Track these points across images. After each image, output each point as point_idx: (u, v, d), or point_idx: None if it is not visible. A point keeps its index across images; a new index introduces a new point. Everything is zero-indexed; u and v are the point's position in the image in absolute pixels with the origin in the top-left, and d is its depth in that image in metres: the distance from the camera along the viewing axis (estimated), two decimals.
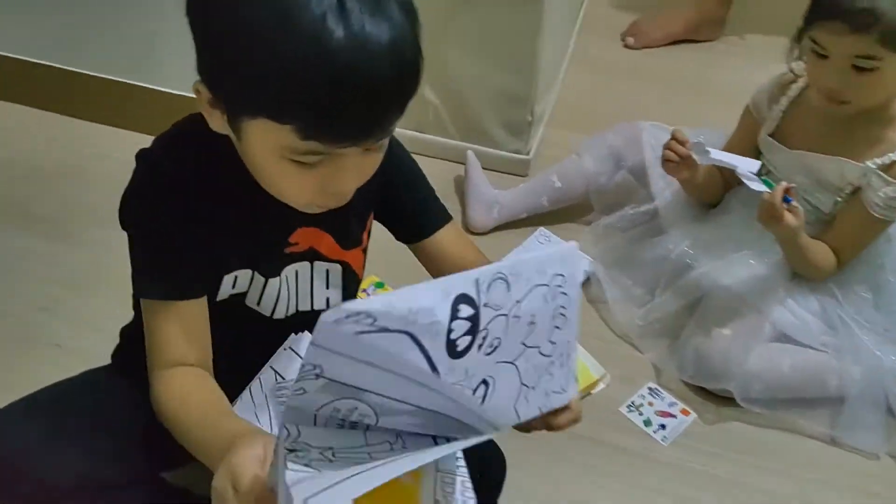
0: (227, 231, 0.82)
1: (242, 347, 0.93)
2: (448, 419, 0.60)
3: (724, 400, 1.30)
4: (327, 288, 0.93)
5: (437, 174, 1.68)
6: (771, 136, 1.34)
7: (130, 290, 0.86)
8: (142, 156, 0.81)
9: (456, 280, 0.53)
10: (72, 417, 0.86)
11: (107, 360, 0.98)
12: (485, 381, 0.59)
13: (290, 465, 0.54)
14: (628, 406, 1.29)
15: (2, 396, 1.16)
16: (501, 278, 0.56)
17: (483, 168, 1.69)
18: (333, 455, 0.57)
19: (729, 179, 1.41)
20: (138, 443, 0.88)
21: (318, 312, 0.92)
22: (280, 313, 0.91)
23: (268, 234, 0.85)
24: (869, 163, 1.22)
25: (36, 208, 1.53)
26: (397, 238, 0.98)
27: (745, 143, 1.39)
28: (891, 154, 1.22)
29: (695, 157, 1.27)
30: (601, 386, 1.31)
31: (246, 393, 0.85)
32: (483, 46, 1.59)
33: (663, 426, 1.26)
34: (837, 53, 1.14)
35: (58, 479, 0.82)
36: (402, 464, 0.56)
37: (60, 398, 0.88)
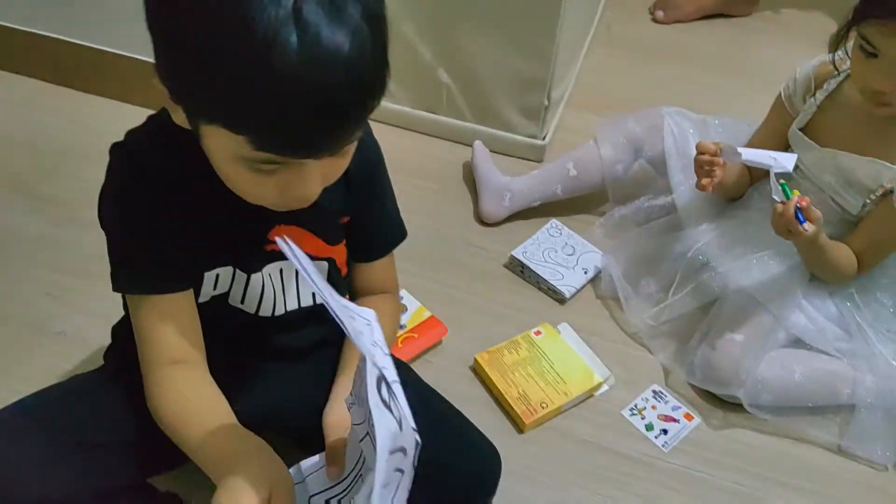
0: (204, 226, 0.81)
1: (231, 350, 0.92)
2: None
3: (732, 406, 1.27)
4: None
5: (448, 157, 1.66)
6: (801, 130, 1.28)
7: None
8: (115, 149, 0.80)
9: None
10: (62, 431, 0.85)
11: None
12: None
13: None
14: (630, 409, 1.26)
15: (3, 382, 1.18)
16: None
17: (496, 152, 1.65)
18: None
19: (755, 172, 1.36)
20: (129, 450, 0.88)
21: (306, 310, 0.93)
22: (266, 310, 0.90)
23: (246, 230, 0.84)
24: None
25: (43, 189, 1.52)
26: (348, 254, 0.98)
27: (774, 135, 1.34)
28: None
29: (725, 161, 1.22)
30: (605, 388, 1.28)
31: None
32: (499, 27, 1.53)
33: (665, 431, 1.24)
34: (889, 54, 1.08)
35: (50, 494, 0.82)
36: None
37: (51, 409, 0.87)
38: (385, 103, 1.69)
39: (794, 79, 1.31)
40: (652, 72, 1.93)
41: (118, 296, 0.86)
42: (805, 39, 1.87)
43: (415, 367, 1.27)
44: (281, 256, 0.88)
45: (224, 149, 0.68)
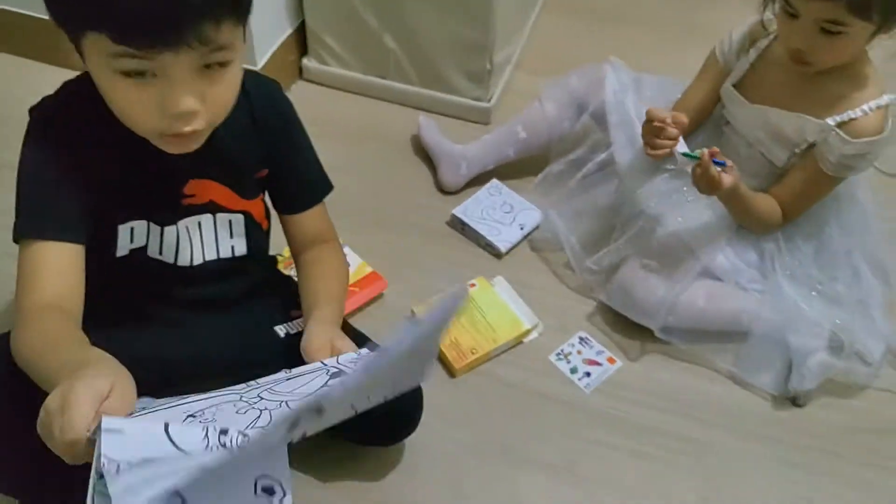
0: (117, 182, 0.87)
1: (160, 302, 1.00)
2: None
3: (651, 345, 1.34)
4: (231, 237, 0.99)
5: (399, 121, 1.71)
6: (734, 86, 1.33)
7: None
8: (34, 111, 0.87)
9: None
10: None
11: None
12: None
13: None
14: (557, 354, 1.34)
15: None
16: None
17: (445, 115, 1.70)
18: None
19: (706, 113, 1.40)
20: None
21: (225, 260, 0.99)
22: (184, 260, 0.96)
23: (160, 185, 0.90)
24: (829, 120, 1.22)
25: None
26: (274, 206, 1.04)
27: (707, 90, 1.39)
28: (850, 112, 1.21)
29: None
30: (534, 335, 1.36)
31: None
32: None
33: (588, 374, 1.31)
34: (806, 15, 1.14)
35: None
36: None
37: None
38: (337, 69, 1.77)
39: (730, 37, 1.35)
40: (604, 34, 1.97)
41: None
42: (752, 1, 1.90)
43: (356, 319, 1.35)
44: (199, 211, 0.96)
45: (99, 58, 0.73)
